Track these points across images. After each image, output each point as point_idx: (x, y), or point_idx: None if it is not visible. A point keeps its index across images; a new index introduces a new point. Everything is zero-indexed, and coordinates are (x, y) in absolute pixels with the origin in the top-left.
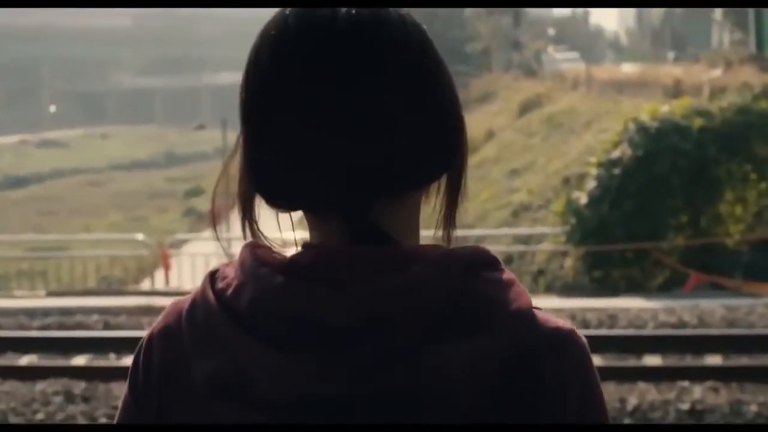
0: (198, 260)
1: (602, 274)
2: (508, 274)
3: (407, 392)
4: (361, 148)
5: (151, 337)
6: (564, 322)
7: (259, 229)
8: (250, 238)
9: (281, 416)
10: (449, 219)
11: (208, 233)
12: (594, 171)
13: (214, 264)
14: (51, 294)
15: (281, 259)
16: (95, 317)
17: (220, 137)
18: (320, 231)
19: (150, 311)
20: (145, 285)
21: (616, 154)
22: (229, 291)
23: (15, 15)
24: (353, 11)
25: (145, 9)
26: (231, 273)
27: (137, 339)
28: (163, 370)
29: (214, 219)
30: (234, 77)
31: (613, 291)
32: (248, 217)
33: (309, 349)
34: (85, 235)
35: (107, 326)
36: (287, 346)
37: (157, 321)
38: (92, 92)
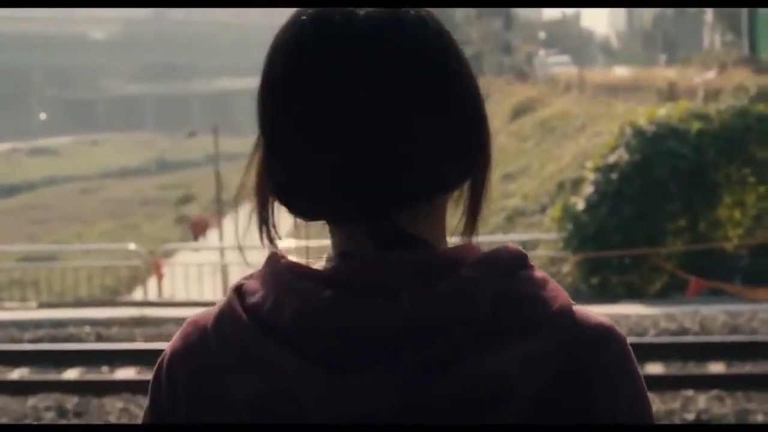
0: (191, 270)
1: (600, 281)
2: (540, 272)
3: (464, 399)
4: (382, 156)
5: (172, 355)
6: (603, 317)
7: (277, 236)
8: (266, 245)
9: None
10: (472, 223)
11: (200, 242)
12: (591, 176)
13: (207, 273)
14: (43, 305)
15: (322, 272)
16: (87, 329)
17: (212, 144)
18: (347, 238)
19: (143, 322)
20: (138, 295)
21: (612, 158)
22: (265, 306)
23: (3, 23)
24: (372, 13)
25: (135, 16)
26: (258, 287)
27: (130, 351)
28: (191, 388)
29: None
30: (224, 84)
31: (612, 297)
32: (266, 224)
33: (362, 364)
34: (77, 245)
35: (99, 338)
36: (337, 363)
37: (175, 339)
38: (82, 99)
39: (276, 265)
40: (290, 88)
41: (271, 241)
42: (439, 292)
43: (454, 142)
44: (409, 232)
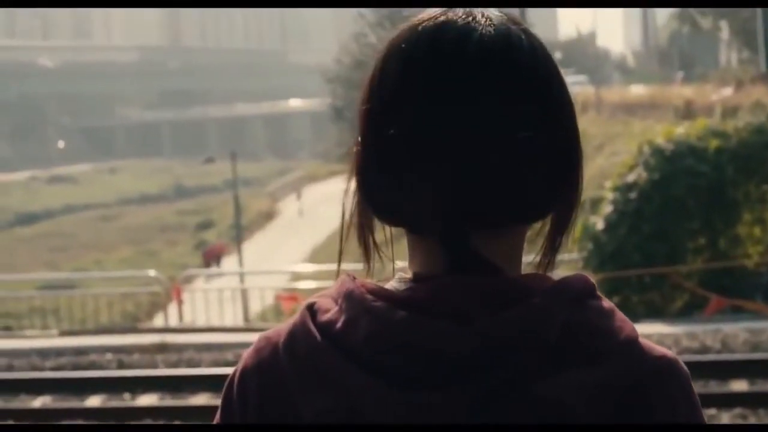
0: (211, 295)
1: (621, 300)
2: (607, 302)
3: (527, 423)
4: (477, 175)
5: (243, 372)
6: (667, 350)
7: (380, 252)
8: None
9: None
10: (552, 258)
11: (218, 267)
12: (610, 195)
13: (227, 298)
14: (64, 333)
15: (396, 293)
16: (109, 356)
17: (230, 169)
18: (423, 256)
19: (164, 348)
20: (159, 321)
21: (631, 177)
22: (338, 325)
23: (18, 52)
24: (485, 36)
25: (150, 43)
26: (331, 306)
27: (151, 378)
28: (263, 406)
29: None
30: (240, 109)
31: (633, 317)
32: (366, 238)
33: (432, 384)
34: (96, 272)
35: (121, 365)
36: (408, 382)
37: (247, 355)
38: (100, 127)
39: (350, 284)
40: (397, 100)
41: (367, 258)
42: (511, 319)
43: (551, 175)
44: (486, 256)
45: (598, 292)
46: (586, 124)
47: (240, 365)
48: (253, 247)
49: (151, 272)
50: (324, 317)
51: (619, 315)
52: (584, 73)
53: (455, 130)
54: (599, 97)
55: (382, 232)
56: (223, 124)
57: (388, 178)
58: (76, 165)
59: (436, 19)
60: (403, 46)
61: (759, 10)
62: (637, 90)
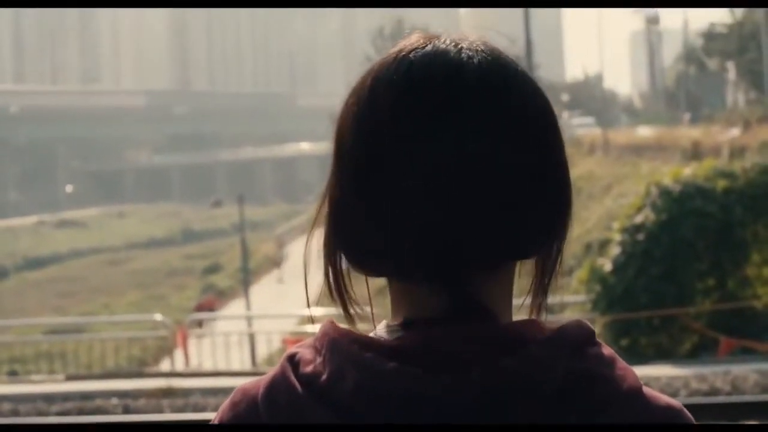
0: (218, 339)
1: (630, 342)
2: (607, 349)
3: None
4: (472, 216)
5: (220, 425)
6: (672, 399)
7: (353, 300)
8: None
9: None
10: (542, 290)
11: (226, 311)
12: (618, 237)
13: (233, 342)
14: (70, 378)
15: (385, 343)
16: (115, 401)
17: (237, 213)
18: (411, 303)
19: (170, 393)
20: (165, 365)
21: (639, 218)
22: (323, 378)
23: (26, 97)
24: (482, 68)
25: (158, 88)
26: (313, 357)
27: (157, 423)
28: None
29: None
30: (248, 153)
31: (642, 359)
32: (337, 283)
33: None
34: (104, 316)
35: (127, 410)
36: None
37: (223, 408)
38: (108, 171)
39: (334, 334)
40: (387, 134)
41: (344, 306)
42: (510, 368)
43: (544, 212)
44: (479, 299)
45: (597, 339)
46: (593, 165)
47: (216, 418)
48: (260, 290)
49: (158, 316)
50: (306, 369)
51: (621, 363)
52: (591, 114)
53: (453, 169)
54: (606, 139)
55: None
56: (232, 168)
57: (373, 224)
58: (85, 209)
59: (423, 49)
60: (394, 77)
61: (766, 53)
62: (644, 131)
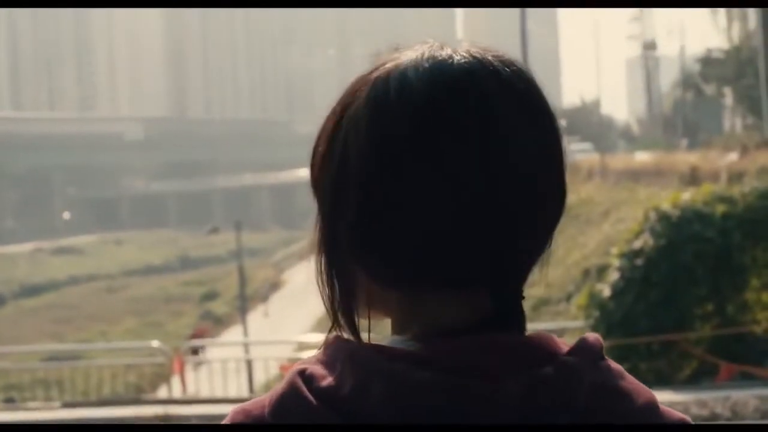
0: (215, 366)
1: (629, 368)
2: (613, 362)
3: None
4: (504, 225)
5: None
6: (682, 415)
7: (360, 317)
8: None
9: None
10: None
11: (224, 337)
12: (616, 262)
13: (231, 369)
14: (66, 405)
15: (414, 352)
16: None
17: (234, 240)
18: (431, 313)
19: (167, 420)
20: (162, 392)
21: (638, 244)
22: (343, 391)
23: (23, 124)
24: (497, 71)
25: (155, 115)
26: (326, 372)
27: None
28: None
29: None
30: (245, 180)
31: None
32: (347, 298)
33: None
34: (101, 343)
35: None
36: None
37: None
38: (105, 198)
39: (349, 345)
40: (415, 153)
41: (350, 325)
42: (546, 379)
43: (550, 214)
44: (508, 308)
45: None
46: (591, 191)
47: None
48: (257, 317)
49: (155, 343)
50: (322, 383)
51: (630, 376)
52: (589, 140)
53: (483, 179)
54: (604, 165)
55: None
56: (229, 195)
57: (398, 234)
58: (82, 236)
59: (420, 59)
60: (402, 92)
61: (763, 78)
62: (642, 157)
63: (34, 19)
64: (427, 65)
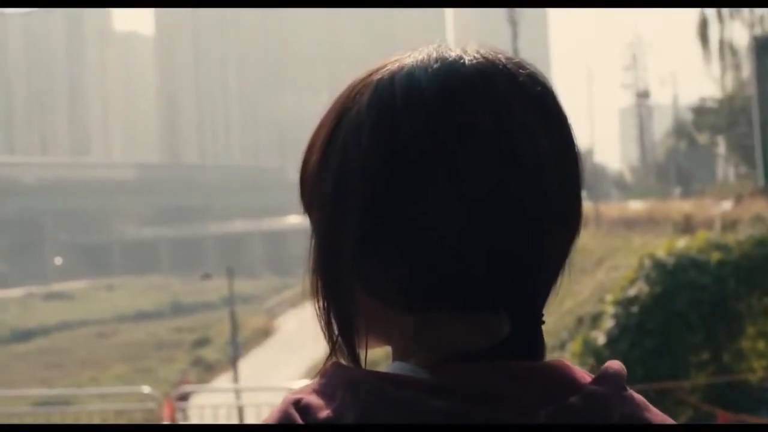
0: (206, 412)
1: None
2: (635, 393)
3: None
4: (526, 241)
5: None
6: None
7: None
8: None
9: None
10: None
11: (216, 383)
12: (611, 309)
13: (222, 415)
14: None
15: (425, 380)
16: None
17: (226, 286)
18: (442, 337)
19: None
20: None
21: (632, 291)
22: (346, 423)
23: (15, 169)
24: (510, 71)
25: (148, 161)
26: (321, 401)
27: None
28: None
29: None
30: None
31: None
32: (347, 324)
33: None
34: (91, 389)
35: None
36: None
37: None
38: (97, 244)
39: (352, 372)
40: (428, 166)
41: (351, 350)
42: (575, 410)
43: (571, 231)
44: (529, 333)
45: None
46: (585, 239)
47: None
48: (249, 364)
49: (146, 388)
50: (320, 414)
51: (652, 407)
52: (582, 189)
53: (500, 194)
54: (598, 213)
55: None
56: (221, 241)
57: (406, 254)
58: (73, 281)
59: (428, 60)
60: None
61: (757, 128)
62: (636, 205)
63: (28, 62)
64: (436, 66)
